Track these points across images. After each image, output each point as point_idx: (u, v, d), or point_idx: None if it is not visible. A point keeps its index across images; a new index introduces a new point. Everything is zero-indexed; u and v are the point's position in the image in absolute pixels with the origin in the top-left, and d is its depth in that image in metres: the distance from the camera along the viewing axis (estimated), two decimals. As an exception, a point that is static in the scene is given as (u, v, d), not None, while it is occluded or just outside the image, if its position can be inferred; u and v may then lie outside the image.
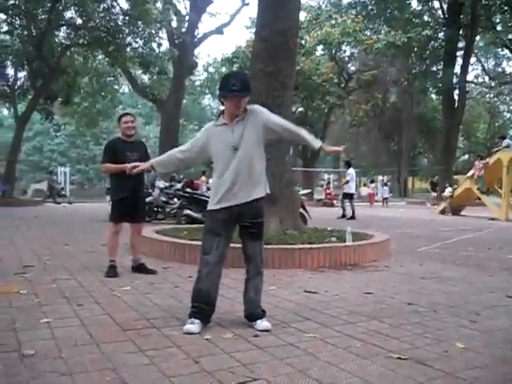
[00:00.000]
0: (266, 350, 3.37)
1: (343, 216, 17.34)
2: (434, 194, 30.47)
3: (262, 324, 3.83)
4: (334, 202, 28.55)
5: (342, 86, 31.31)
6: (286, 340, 3.58)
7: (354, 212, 16.94)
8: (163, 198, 13.74)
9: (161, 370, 2.96)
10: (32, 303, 4.51)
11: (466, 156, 57.13)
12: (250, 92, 3.87)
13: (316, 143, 4.03)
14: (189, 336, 3.62)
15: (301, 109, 31.42)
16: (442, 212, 21.12)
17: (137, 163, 4.13)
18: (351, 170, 18.45)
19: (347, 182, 17.98)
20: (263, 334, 3.72)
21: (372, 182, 32.71)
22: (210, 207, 3.94)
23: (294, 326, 3.94)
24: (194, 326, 3.74)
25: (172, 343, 3.46)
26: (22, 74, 27.84)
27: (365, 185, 33.67)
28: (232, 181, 3.81)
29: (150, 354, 3.23)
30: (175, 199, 13.68)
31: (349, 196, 18.10)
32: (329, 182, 32.39)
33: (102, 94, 30.98)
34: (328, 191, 29.93)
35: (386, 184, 34.56)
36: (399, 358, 3.25)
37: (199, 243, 7.02)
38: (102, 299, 4.71)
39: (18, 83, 27.68)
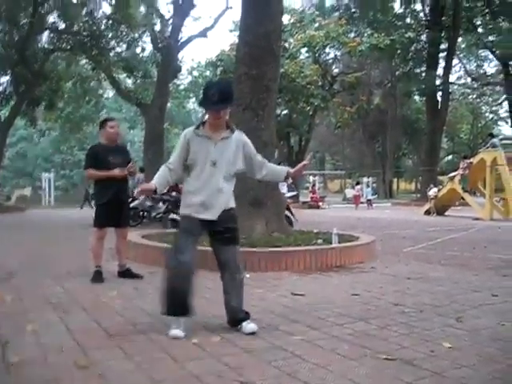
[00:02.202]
0: (254, 353, 3.36)
1: None
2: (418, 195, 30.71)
3: (248, 326, 3.81)
4: (320, 204, 28.67)
5: (326, 88, 31.38)
6: (273, 343, 3.58)
7: None
8: (149, 203, 13.67)
9: (148, 374, 2.94)
10: (17, 310, 4.47)
11: (450, 157, 57.61)
12: (229, 103, 3.86)
13: (283, 174, 4.08)
14: (176, 340, 3.61)
15: (285, 111, 31.50)
16: (427, 213, 21.27)
17: (146, 185, 4.04)
18: None
19: None
20: (251, 337, 3.71)
21: (357, 183, 32.82)
22: (183, 211, 3.96)
23: (282, 329, 3.94)
24: (178, 331, 3.72)
25: (159, 348, 3.44)
26: (4, 79, 27.65)
27: (353, 187, 33.74)
28: (206, 197, 3.82)
29: (137, 359, 3.21)
30: (160, 203, 13.62)
31: None
32: (314, 185, 32.43)
33: (86, 98, 30.73)
34: (313, 193, 30.02)
35: (369, 186, 34.74)
36: (386, 358, 3.26)
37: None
38: (88, 305, 4.68)
39: (1, 88, 27.46)
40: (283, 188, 15.72)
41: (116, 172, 5.87)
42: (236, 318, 3.92)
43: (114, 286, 5.55)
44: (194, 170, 3.89)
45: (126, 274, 6.18)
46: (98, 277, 5.91)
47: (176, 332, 3.71)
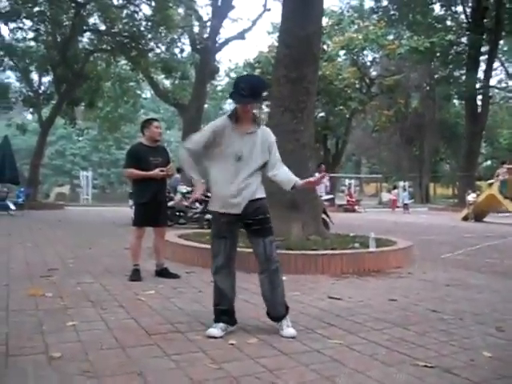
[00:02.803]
0: (292, 355, 3.36)
1: None
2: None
3: (288, 330, 3.80)
4: (356, 207, 28.45)
5: (364, 91, 31.17)
6: (311, 346, 3.57)
7: None
8: (185, 203, 13.78)
9: (187, 374, 2.97)
10: (58, 306, 4.56)
11: (489, 162, 56.46)
12: (258, 98, 3.86)
13: (291, 183, 4.00)
14: (213, 341, 3.63)
15: (322, 114, 31.38)
16: (465, 218, 20.88)
17: (196, 191, 4.09)
18: None
19: None
20: (288, 339, 3.71)
21: (394, 188, 32.44)
22: (211, 208, 3.99)
23: (319, 332, 3.93)
24: (216, 330, 3.76)
25: (197, 348, 3.47)
26: (46, 79, 28.31)
27: (389, 191, 33.39)
28: (230, 191, 3.83)
29: (176, 358, 3.24)
30: (197, 203, 13.71)
31: None
32: (350, 188, 32.22)
33: (125, 98, 31.22)
34: (349, 197, 29.81)
35: (405, 190, 34.31)
36: (425, 365, 3.22)
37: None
38: (126, 303, 4.74)
39: (42, 88, 28.11)
40: (321, 190, 15.43)
41: (156, 172, 5.95)
42: (272, 310, 3.92)
43: (152, 285, 5.62)
44: (219, 163, 3.89)
45: (163, 273, 6.24)
46: (136, 275, 5.98)
47: (213, 331, 3.75)
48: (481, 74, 32.36)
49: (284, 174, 4.02)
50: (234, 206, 3.84)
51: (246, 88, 3.76)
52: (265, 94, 4.01)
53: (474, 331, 4.09)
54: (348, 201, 29.38)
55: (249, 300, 4.79)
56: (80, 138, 55.59)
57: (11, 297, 4.86)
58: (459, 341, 3.80)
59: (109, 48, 25.02)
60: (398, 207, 29.43)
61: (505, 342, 3.83)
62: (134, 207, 6.47)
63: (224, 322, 3.84)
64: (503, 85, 45.05)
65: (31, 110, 30.36)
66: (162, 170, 5.98)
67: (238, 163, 3.83)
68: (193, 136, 4.10)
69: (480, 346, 3.67)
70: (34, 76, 28.57)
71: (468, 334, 4.01)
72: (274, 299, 3.91)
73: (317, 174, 7.91)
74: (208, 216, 12.32)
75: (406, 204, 29.54)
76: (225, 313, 3.88)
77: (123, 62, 27.86)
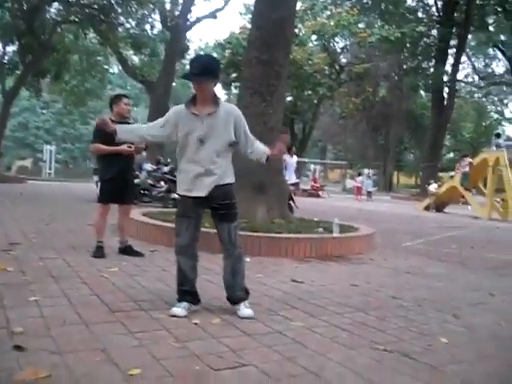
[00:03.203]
0: (254, 336, 3.40)
1: None
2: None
3: (245, 311, 3.83)
4: (320, 193, 28.69)
5: (333, 77, 31.31)
6: (273, 327, 3.61)
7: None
8: (150, 181, 13.70)
9: (150, 352, 2.97)
10: (19, 281, 4.49)
11: (452, 154, 57.58)
12: (209, 76, 3.80)
13: (265, 155, 4.03)
14: (177, 320, 3.64)
15: (290, 98, 31.40)
16: (426, 208, 21.31)
17: (108, 121, 4.04)
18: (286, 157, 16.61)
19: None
20: (251, 320, 3.75)
21: (359, 175, 32.79)
22: (179, 191, 4.00)
23: (282, 314, 3.97)
24: (180, 309, 3.78)
25: (161, 326, 3.47)
26: (10, 49, 27.50)
27: (352, 177, 33.72)
28: (198, 173, 3.82)
29: (139, 336, 3.24)
30: (162, 182, 13.64)
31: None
32: (315, 173, 32.45)
33: (92, 73, 30.64)
34: (314, 182, 30.03)
35: (370, 177, 34.73)
36: (385, 350, 3.29)
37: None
38: (89, 280, 4.70)
39: (6, 58, 27.32)
40: (292, 176, 15.29)
41: (123, 148, 5.85)
42: (232, 295, 3.95)
43: (116, 263, 5.58)
44: (184, 148, 3.89)
45: (127, 250, 6.20)
46: (99, 252, 5.93)
47: (177, 310, 3.77)
48: (448, 68, 32.89)
49: (259, 149, 4.04)
50: (199, 189, 3.83)
51: (198, 66, 3.77)
52: (220, 73, 3.94)
53: (432, 318, 4.21)
54: (312, 186, 29.62)
55: (212, 280, 4.80)
56: (44, 111, 54.51)
57: (-29, 270, 4.77)
58: (418, 327, 3.90)
59: (77, 20, 24.40)
60: (362, 195, 29.79)
61: (461, 328, 3.94)
62: (99, 184, 6.38)
63: (187, 301, 3.86)
64: (469, 79, 45.90)
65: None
66: (129, 146, 5.90)
67: (202, 146, 3.81)
68: (152, 130, 4.09)
69: (438, 332, 3.77)
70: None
71: (426, 320, 4.12)
72: (234, 284, 3.95)
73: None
74: (173, 195, 12.29)
75: (369, 192, 29.95)
76: (187, 293, 3.90)
77: (92, 35, 27.25)
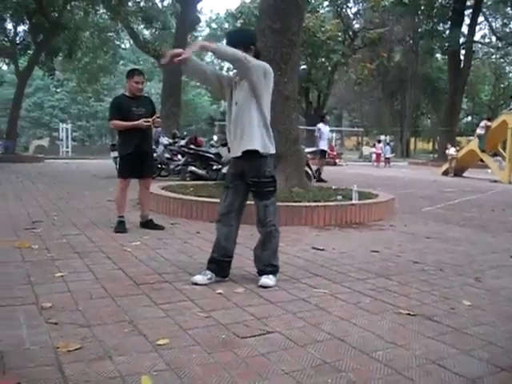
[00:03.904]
0: (278, 304, 3.44)
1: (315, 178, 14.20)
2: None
3: (262, 280, 3.87)
4: (337, 160, 28.54)
5: (347, 44, 30.87)
6: (297, 295, 3.66)
7: (319, 172, 14.77)
8: (167, 155, 13.73)
9: (177, 322, 3.03)
10: (45, 258, 4.57)
11: (470, 118, 56.74)
12: (236, 46, 3.80)
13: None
14: (201, 290, 3.70)
15: (304, 66, 31.06)
16: (445, 173, 21.10)
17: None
18: (321, 126, 15.67)
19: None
20: (274, 289, 3.79)
21: (379, 142, 32.47)
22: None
23: (305, 282, 4.01)
24: (201, 276, 3.87)
25: (185, 297, 3.53)
26: (21, 29, 27.45)
27: (367, 144, 33.45)
28: (233, 134, 3.94)
29: (165, 307, 3.30)
30: (179, 156, 13.66)
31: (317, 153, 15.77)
32: (331, 141, 32.23)
33: (104, 49, 30.56)
34: (331, 150, 29.84)
35: (388, 144, 34.42)
36: (408, 314, 3.32)
37: (205, 199, 7.16)
38: (112, 254, 4.78)
39: (18, 38, 27.30)
40: (325, 144, 15.26)
41: (140, 122, 5.89)
42: (257, 267, 4.02)
43: (137, 237, 5.65)
44: (227, 115, 4.05)
45: (148, 224, 6.27)
46: (121, 226, 6.01)
47: (198, 277, 3.87)
48: (465, 29, 32.16)
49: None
50: (234, 150, 3.95)
51: (226, 40, 4.00)
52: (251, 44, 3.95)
53: (454, 281, 4.22)
54: (329, 154, 29.44)
55: (236, 251, 4.84)
56: (58, 90, 54.58)
57: (-3, 248, 4.86)
58: (440, 290, 3.92)
59: (87, -5, 24.27)
60: (381, 161, 29.59)
61: (483, 291, 3.95)
62: (118, 159, 6.43)
63: (211, 270, 3.92)
64: (486, 40, 44.89)
65: (7, 60, 29.53)
66: (146, 121, 5.92)
67: (236, 107, 3.91)
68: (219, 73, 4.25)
69: (460, 296, 3.79)
70: (9, 25, 27.70)
71: (448, 284, 4.13)
72: (261, 258, 4.00)
73: None
74: (191, 168, 12.33)
75: (387, 158, 29.72)
76: (213, 261, 3.96)
77: (102, 11, 27.10)
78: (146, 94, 6.75)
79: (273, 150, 3.95)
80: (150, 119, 5.95)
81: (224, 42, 3.98)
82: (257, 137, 3.86)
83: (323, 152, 15.60)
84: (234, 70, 4.05)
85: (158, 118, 6.15)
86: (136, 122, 5.86)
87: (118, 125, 6.01)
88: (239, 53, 3.71)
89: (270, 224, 3.96)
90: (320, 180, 13.87)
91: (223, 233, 3.99)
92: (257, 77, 3.79)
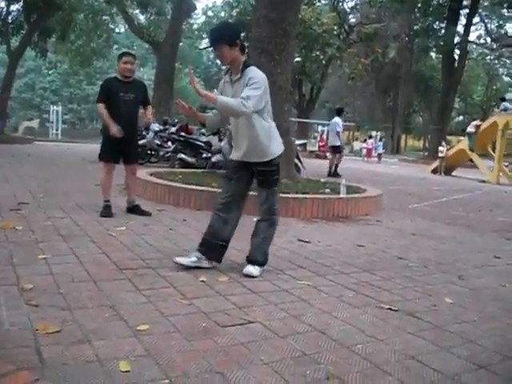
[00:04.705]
0: (261, 294, 3.44)
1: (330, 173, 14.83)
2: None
3: (247, 268, 3.88)
4: (327, 154, 28.56)
5: (342, 38, 30.81)
6: (280, 286, 3.66)
7: (336, 167, 15.10)
8: (157, 141, 13.66)
9: (158, 308, 3.02)
10: (29, 239, 4.53)
11: (461, 117, 56.96)
12: (217, 43, 3.78)
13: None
14: (184, 278, 3.68)
15: (298, 59, 30.98)
16: (434, 171, 21.22)
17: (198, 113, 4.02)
18: (338, 120, 15.77)
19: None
20: (257, 279, 3.79)
21: (370, 137, 32.53)
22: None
23: (288, 273, 4.01)
24: (184, 258, 3.88)
25: (168, 284, 3.52)
26: (15, 7, 27.06)
27: (365, 140, 33.41)
28: (235, 136, 3.98)
29: (147, 293, 3.28)
30: (169, 143, 13.60)
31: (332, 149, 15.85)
32: (322, 135, 32.25)
33: (98, 32, 30.24)
34: (321, 143, 29.87)
35: (381, 139, 34.49)
36: (390, 308, 3.33)
37: (193, 187, 7.15)
38: (97, 238, 4.75)
39: (11, 17, 26.92)
40: (336, 140, 15.27)
41: (114, 131, 5.79)
42: (251, 253, 4.00)
43: (123, 222, 5.62)
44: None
45: (134, 210, 6.23)
46: (106, 211, 5.96)
47: (181, 259, 3.88)
48: (460, 29, 32.21)
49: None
50: (239, 153, 3.93)
51: (210, 37, 3.98)
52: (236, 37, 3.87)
53: (438, 279, 4.24)
54: (320, 147, 29.46)
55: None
56: (50, 72, 54.06)
57: (-20, 228, 4.81)
58: (423, 287, 3.94)
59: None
60: (371, 157, 29.65)
61: (466, 290, 3.98)
62: (101, 142, 6.30)
63: (201, 252, 3.93)
64: (482, 41, 44.96)
65: (-1, 40, 29.16)
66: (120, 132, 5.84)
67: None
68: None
69: (442, 293, 3.81)
70: (1, 3, 27.33)
71: (431, 281, 4.15)
72: (258, 245, 3.99)
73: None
74: (180, 156, 12.28)
75: (379, 154, 29.82)
76: (204, 243, 3.96)
77: (97, -8, 26.85)
78: (141, 80, 6.66)
79: (279, 151, 3.98)
80: (120, 132, 5.82)
81: (209, 40, 3.96)
82: (261, 149, 3.87)
83: (338, 147, 15.50)
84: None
85: (148, 114, 6.16)
86: (111, 126, 5.77)
87: (101, 112, 5.92)
88: (239, 106, 3.61)
89: (277, 211, 4.06)
90: (336, 175, 14.24)
91: (218, 218, 3.96)
92: (259, 106, 3.78)
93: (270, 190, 3.98)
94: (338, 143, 15.34)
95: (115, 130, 5.78)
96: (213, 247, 3.96)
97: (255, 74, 3.80)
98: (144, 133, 13.15)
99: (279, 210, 4.12)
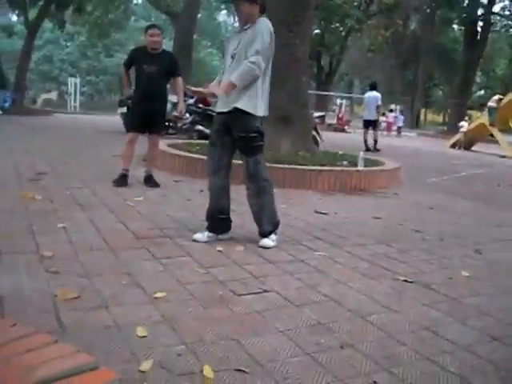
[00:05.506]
0: (277, 264, 3.46)
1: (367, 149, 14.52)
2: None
3: (263, 241, 3.86)
4: (345, 127, 28.33)
5: (362, 9, 30.28)
6: (296, 256, 3.67)
7: (375, 142, 15.08)
8: (175, 113, 13.63)
9: (175, 276, 3.06)
10: (48, 209, 4.59)
11: (483, 91, 55.96)
12: (242, 1, 3.72)
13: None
14: (201, 247, 3.72)
15: (317, 31, 30.59)
16: (453, 146, 20.94)
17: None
18: (368, 93, 15.99)
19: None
20: (274, 249, 3.80)
21: (391, 111, 32.13)
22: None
23: (305, 244, 4.03)
24: (201, 235, 3.88)
25: (185, 253, 3.55)
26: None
27: (384, 114, 33.05)
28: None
29: (164, 261, 3.32)
30: (187, 114, 13.57)
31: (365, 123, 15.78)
32: (341, 107, 31.94)
33: (115, 3, 30.07)
34: (340, 116, 29.61)
35: (401, 113, 34.07)
36: (405, 280, 3.33)
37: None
38: (115, 208, 4.80)
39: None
40: (374, 114, 15.28)
41: (125, 93, 6.46)
42: (259, 228, 3.94)
43: (141, 192, 5.67)
44: (224, 67, 3.97)
45: (148, 179, 6.27)
46: (121, 180, 6.02)
47: (198, 235, 3.88)
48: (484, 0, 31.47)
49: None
50: (221, 104, 3.86)
51: None
52: None
53: (454, 252, 4.22)
54: (338, 120, 29.22)
55: (235, 210, 4.83)
56: (68, 44, 54.05)
57: (0, 198, 4.88)
58: (439, 260, 3.92)
59: None
60: (391, 130, 29.35)
61: (482, 263, 3.96)
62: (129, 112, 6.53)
63: (209, 229, 3.92)
64: (506, 12, 43.89)
65: (17, 11, 29.09)
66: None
67: (232, 61, 3.81)
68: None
69: (458, 266, 3.79)
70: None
71: (448, 254, 4.13)
72: (261, 218, 3.93)
73: None
74: (198, 127, 12.27)
75: (399, 127, 29.49)
76: (209, 216, 3.97)
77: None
78: (171, 53, 6.68)
79: (261, 113, 3.82)
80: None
81: None
82: (247, 96, 3.73)
83: (375, 122, 15.60)
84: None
85: (180, 112, 6.52)
86: (125, 92, 6.35)
87: (123, 78, 6.39)
88: (251, 69, 3.60)
89: (262, 178, 3.88)
90: (376, 149, 14.52)
91: (217, 187, 3.94)
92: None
93: (252, 159, 3.83)
94: (376, 117, 15.44)
95: (127, 93, 6.26)
96: (217, 222, 3.95)
97: (262, 26, 3.71)
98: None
99: (269, 179, 3.93)
